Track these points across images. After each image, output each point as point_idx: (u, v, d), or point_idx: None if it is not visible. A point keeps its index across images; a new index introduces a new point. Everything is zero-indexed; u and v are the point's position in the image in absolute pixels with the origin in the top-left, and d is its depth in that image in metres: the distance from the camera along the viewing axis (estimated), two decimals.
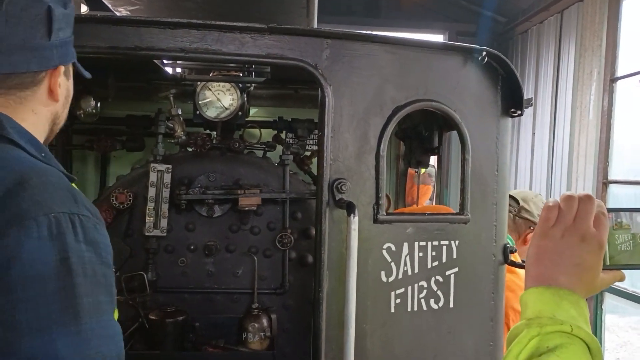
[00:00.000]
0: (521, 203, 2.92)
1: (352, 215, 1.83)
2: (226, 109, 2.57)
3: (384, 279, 2.03)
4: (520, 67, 10.10)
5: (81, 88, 1.52)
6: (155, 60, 2.66)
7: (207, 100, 2.56)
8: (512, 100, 2.24)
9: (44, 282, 1.06)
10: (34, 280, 1.05)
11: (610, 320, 8.39)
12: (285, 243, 2.61)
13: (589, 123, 7.91)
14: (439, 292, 2.12)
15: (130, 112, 3.10)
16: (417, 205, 3.97)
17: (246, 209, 2.52)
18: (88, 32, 1.78)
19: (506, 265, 2.29)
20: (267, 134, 2.98)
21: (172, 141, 2.66)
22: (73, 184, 1.26)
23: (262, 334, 2.52)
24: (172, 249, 2.62)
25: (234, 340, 2.56)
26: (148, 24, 1.86)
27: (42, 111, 1.33)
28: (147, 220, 2.48)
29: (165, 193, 2.50)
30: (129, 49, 1.85)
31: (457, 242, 2.14)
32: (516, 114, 2.27)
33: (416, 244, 2.07)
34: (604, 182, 7.69)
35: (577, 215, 1.01)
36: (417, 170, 3.55)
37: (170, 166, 2.52)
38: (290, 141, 2.90)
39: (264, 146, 2.82)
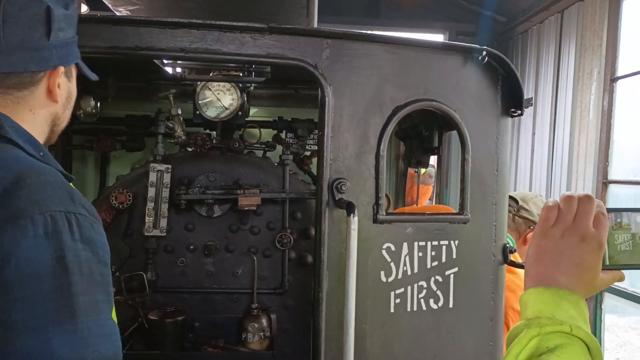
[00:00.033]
0: (520, 203, 2.92)
1: (351, 215, 1.83)
2: (226, 108, 2.57)
3: (383, 279, 2.02)
4: (521, 67, 10.10)
5: (81, 88, 1.52)
6: (155, 60, 2.66)
7: (207, 100, 2.56)
8: (512, 100, 2.24)
9: (40, 280, 1.05)
10: (30, 279, 1.05)
11: (609, 320, 8.39)
12: (284, 243, 2.61)
13: (589, 123, 7.91)
14: (438, 292, 2.12)
15: (130, 112, 3.09)
16: (417, 205, 3.97)
17: (246, 208, 2.52)
18: (88, 32, 1.78)
19: (506, 265, 2.29)
20: (267, 134, 2.98)
21: (172, 141, 2.66)
22: (70, 184, 1.26)
23: (261, 334, 2.52)
24: (172, 249, 2.62)
25: (233, 340, 2.56)
26: (148, 24, 1.85)
27: (40, 111, 1.33)
28: (146, 220, 2.48)
29: (165, 193, 2.50)
30: (129, 48, 1.85)
31: (456, 242, 2.14)
32: (516, 114, 2.27)
33: (416, 244, 2.07)
34: (604, 182, 7.70)
35: (576, 215, 1.01)
36: (417, 170, 3.55)
37: (170, 166, 2.52)
38: (290, 141, 2.90)
39: (264, 146, 2.82)
